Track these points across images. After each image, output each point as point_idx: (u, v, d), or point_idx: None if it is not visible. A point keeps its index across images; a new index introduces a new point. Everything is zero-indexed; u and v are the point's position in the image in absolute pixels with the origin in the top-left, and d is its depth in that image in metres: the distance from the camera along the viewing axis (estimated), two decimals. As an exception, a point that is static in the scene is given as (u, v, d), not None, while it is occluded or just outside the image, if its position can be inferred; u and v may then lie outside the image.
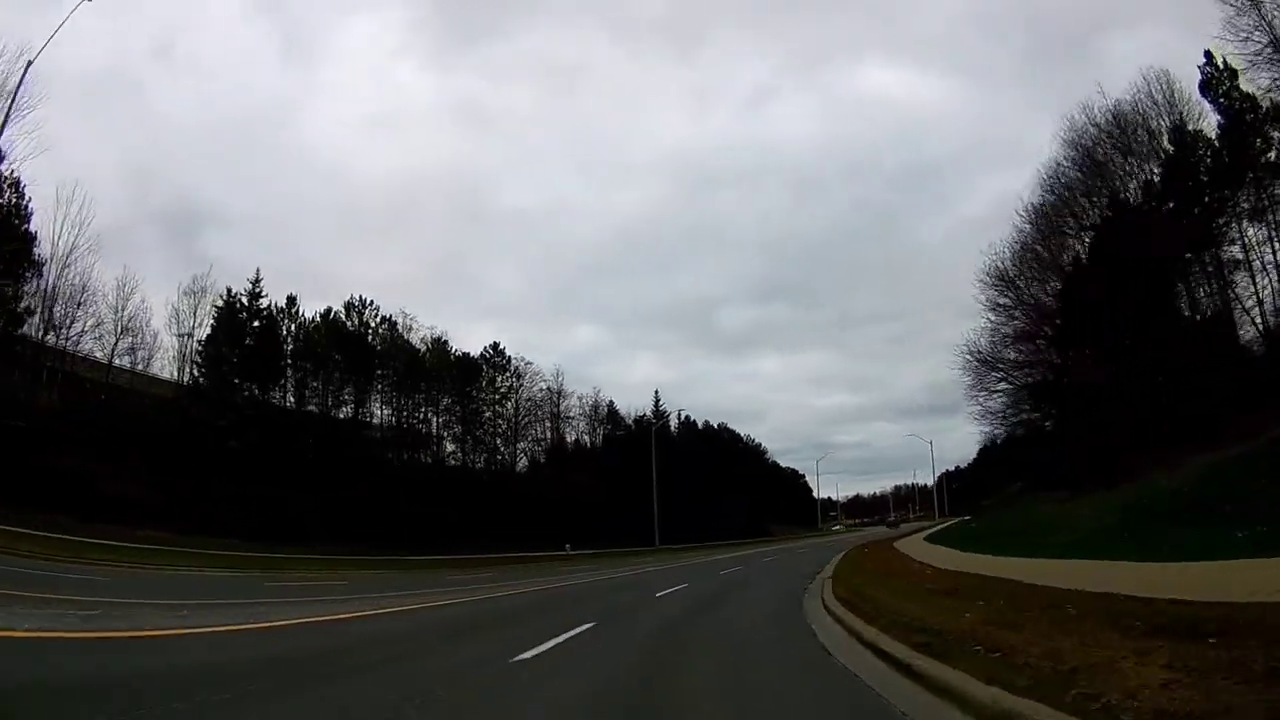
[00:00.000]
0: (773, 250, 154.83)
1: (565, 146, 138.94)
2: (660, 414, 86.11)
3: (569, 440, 78.59)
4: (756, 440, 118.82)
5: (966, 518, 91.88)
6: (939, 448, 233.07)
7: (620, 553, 60.37)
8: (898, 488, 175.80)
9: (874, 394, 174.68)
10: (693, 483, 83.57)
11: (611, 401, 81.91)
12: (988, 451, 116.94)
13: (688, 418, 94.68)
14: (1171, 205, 41.13)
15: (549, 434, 76.22)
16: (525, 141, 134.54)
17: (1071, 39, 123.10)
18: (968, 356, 46.89)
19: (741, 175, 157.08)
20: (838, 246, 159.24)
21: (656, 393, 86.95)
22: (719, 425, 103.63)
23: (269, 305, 54.87)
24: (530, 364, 73.94)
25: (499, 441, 75.54)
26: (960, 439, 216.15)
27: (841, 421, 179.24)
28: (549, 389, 74.15)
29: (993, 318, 45.30)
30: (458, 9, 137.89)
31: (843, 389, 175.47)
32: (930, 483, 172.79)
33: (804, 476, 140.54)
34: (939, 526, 59.98)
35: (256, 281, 54.02)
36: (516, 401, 74.73)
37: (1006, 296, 43.58)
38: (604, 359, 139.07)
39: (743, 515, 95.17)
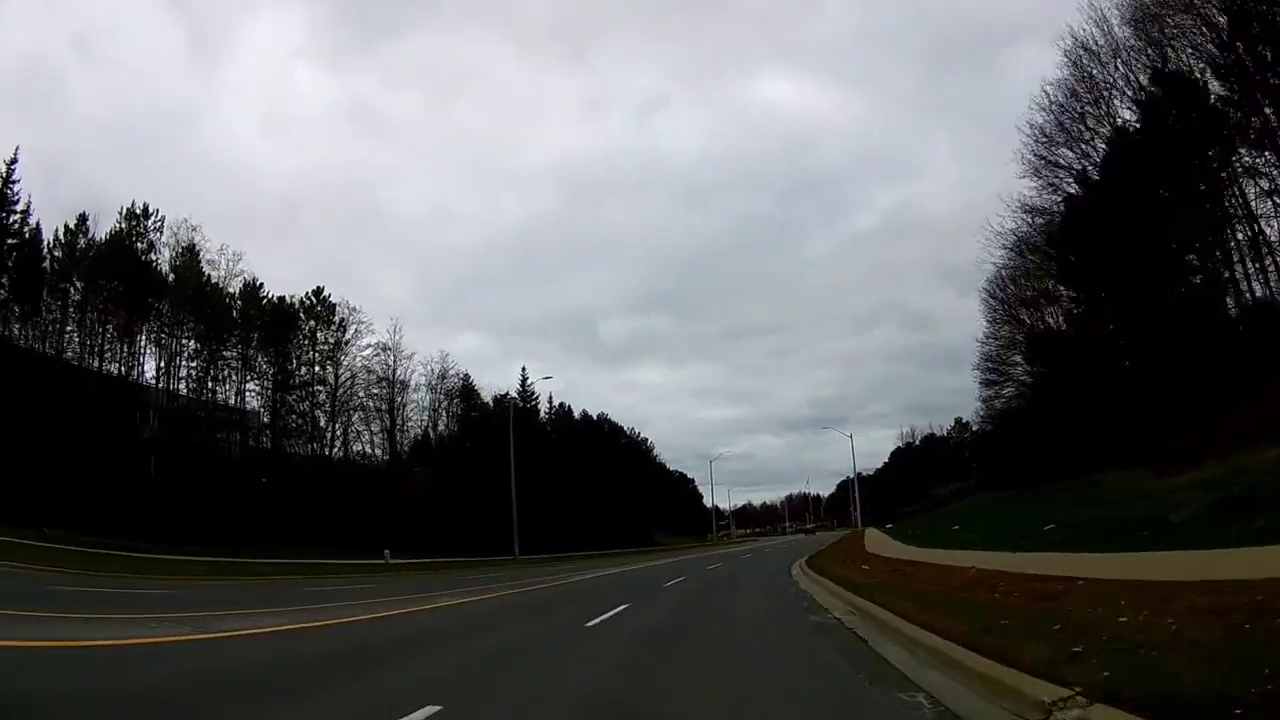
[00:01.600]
0: (658, 261, 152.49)
1: (454, 152, 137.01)
2: (528, 394, 69.68)
3: (410, 419, 60.91)
4: (642, 435, 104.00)
5: (889, 526, 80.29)
6: (825, 460, 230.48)
7: (462, 563, 43.95)
8: (790, 497, 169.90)
9: (757, 406, 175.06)
10: (567, 481, 67.97)
11: (467, 375, 64.84)
12: (903, 454, 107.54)
13: (563, 405, 78.80)
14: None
15: (383, 408, 58.38)
16: (415, 146, 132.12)
17: (975, 52, 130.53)
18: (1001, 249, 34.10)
19: (629, 185, 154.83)
20: (724, 258, 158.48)
21: (524, 369, 70.53)
22: (599, 416, 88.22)
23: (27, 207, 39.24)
24: (357, 310, 56.19)
25: (319, 414, 57.31)
26: (845, 452, 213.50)
27: (725, 433, 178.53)
28: (381, 346, 56.39)
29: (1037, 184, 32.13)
30: (356, 10, 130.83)
31: (726, 401, 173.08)
32: (825, 493, 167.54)
33: (693, 482, 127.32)
34: (881, 531, 46.43)
35: (11, 162, 37.03)
36: (337, 361, 56.63)
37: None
38: (486, 367, 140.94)
39: (626, 521, 79.91)
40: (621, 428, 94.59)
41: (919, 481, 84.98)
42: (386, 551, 42.54)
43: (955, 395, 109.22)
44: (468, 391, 64.29)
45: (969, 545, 21.80)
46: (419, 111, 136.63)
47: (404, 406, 59.53)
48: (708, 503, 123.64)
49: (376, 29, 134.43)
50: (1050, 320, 37.58)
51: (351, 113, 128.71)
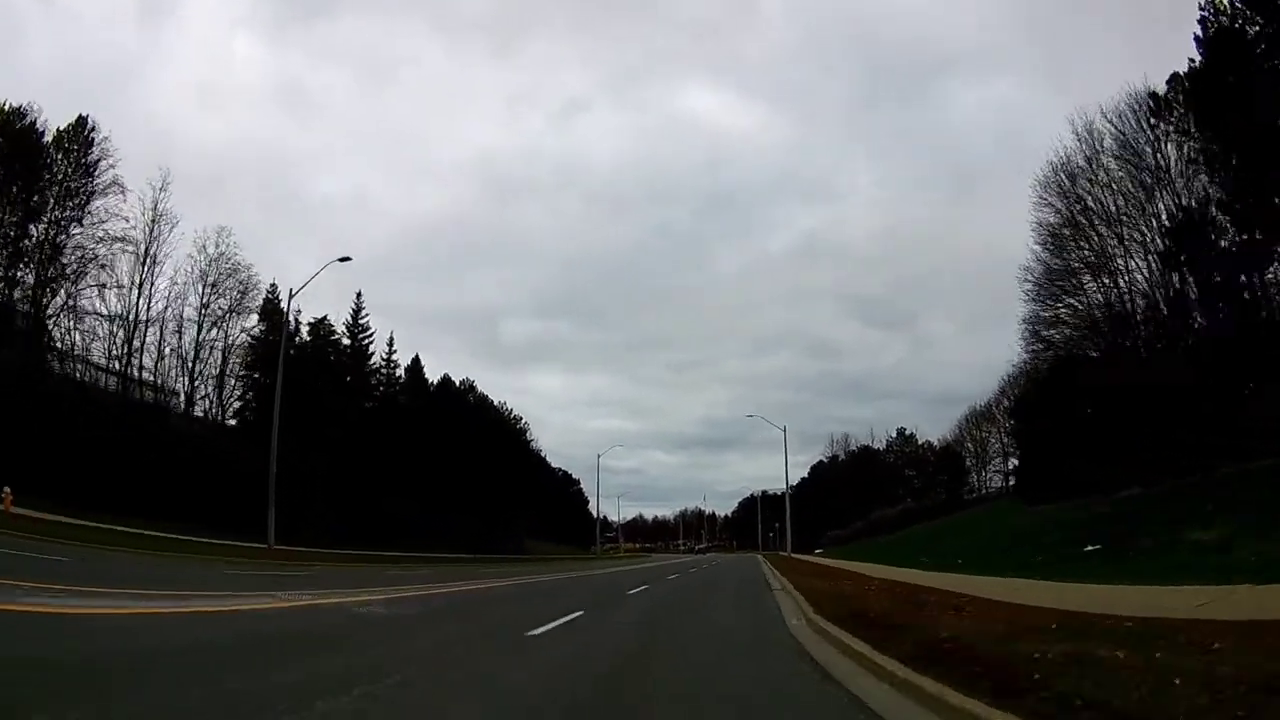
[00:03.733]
0: (567, 265, 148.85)
1: (376, 137, 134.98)
2: (359, 329, 50.48)
3: (166, 323, 41.03)
4: (517, 415, 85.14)
5: (818, 550, 64.84)
6: (719, 480, 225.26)
7: (166, 542, 24.73)
8: (684, 512, 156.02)
9: (652, 422, 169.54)
10: (406, 457, 49.63)
11: (273, 286, 45.08)
12: (827, 470, 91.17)
13: (416, 359, 59.43)
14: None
15: (126, 300, 38.69)
16: (339, 128, 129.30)
17: (907, 82, 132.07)
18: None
19: (545, 186, 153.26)
20: (631, 268, 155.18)
21: (359, 295, 51.18)
22: (464, 382, 69.28)
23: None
24: (104, 139, 37.21)
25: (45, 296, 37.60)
26: (740, 474, 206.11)
27: (617, 446, 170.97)
28: (115, 185, 37.13)
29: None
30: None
31: (622, 414, 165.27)
32: (726, 511, 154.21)
33: (579, 484, 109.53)
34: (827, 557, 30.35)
35: None
36: (79, 221, 37.04)
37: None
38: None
39: (488, 520, 61.54)
40: (490, 401, 75.69)
41: (853, 501, 70.25)
42: (7, 490, 23.54)
43: (854, 426, 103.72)
44: (270, 310, 44.78)
45: None
46: (346, 95, 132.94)
47: (162, 302, 39.79)
48: (596, 510, 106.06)
49: (313, 8, 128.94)
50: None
51: (281, 89, 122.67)
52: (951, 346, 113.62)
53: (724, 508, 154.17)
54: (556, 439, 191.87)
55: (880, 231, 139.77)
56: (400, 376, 55.61)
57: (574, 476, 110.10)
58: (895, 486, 72.83)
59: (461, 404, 65.18)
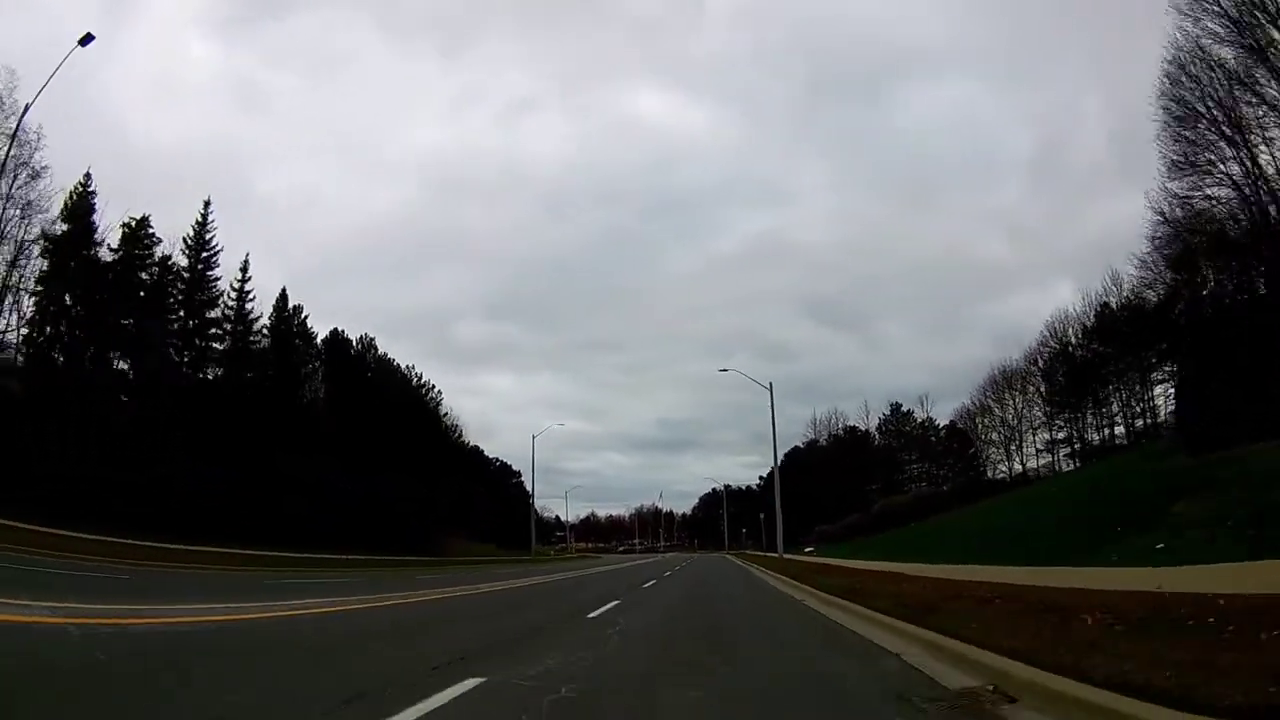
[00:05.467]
0: (517, 266, 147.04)
1: (322, 136, 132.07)
2: (202, 245, 36.90)
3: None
4: (433, 386, 71.00)
5: (809, 549, 53.27)
6: (676, 480, 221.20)
7: None
8: (640, 509, 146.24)
9: (607, 423, 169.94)
10: (274, 427, 36.77)
11: (87, 180, 31.03)
12: (804, 456, 78.87)
13: (283, 295, 44.29)
14: None
15: None
16: (286, 127, 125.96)
17: (858, 83, 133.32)
18: None
19: (492, 186, 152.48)
20: (581, 269, 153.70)
21: (207, 201, 37.57)
22: (363, 339, 55.28)
23: None
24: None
25: None
26: (698, 473, 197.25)
27: (573, 448, 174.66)
28: None
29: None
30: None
31: (576, 415, 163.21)
32: (684, 510, 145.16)
33: (519, 476, 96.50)
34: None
35: None
36: None
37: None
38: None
39: (389, 510, 48.29)
40: (397, 365, 61.55)
41: (842, 491, 58.88)
42: None
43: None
44: (77, 210, 31.21)
45: None
46: (293, 93, 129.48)
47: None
48: (546, 509, 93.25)
49: (263, 4, 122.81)
50: None
51: (231, 87, 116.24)
52: (910, 347, 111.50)
53: (681, 507, 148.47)
54: (511, 440, 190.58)
55: (834, 233, 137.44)
56: (251, 310, 41.18)
57: (514, 469, 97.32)
58: (892, 472, 62.01)
59: (356, 363, 51.95)
